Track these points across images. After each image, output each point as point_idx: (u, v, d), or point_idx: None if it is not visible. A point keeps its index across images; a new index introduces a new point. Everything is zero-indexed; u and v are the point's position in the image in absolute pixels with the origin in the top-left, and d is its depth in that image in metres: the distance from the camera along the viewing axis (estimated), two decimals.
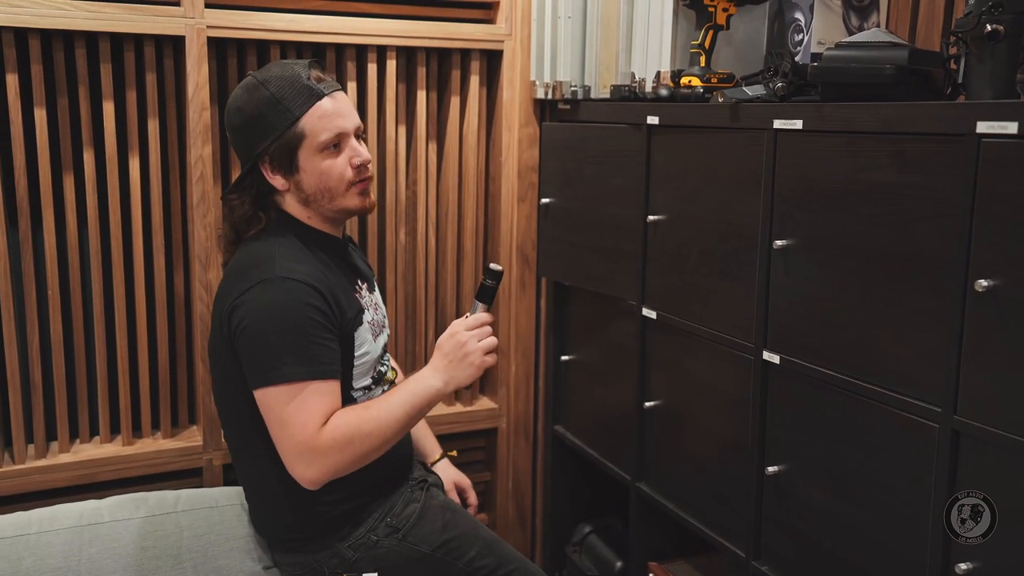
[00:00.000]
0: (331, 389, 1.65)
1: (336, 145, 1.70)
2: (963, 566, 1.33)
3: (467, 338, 1.70)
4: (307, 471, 1.62)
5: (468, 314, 1.73)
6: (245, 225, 1.75)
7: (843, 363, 1.54)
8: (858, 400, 1.52)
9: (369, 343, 1.78)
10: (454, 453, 2.13)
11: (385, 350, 1.88)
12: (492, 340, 1.72)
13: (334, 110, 1.70)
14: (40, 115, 1.97)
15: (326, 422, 1.62)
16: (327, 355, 1.65)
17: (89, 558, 1.79)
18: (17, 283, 2.02)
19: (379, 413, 1.65)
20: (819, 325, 1.58)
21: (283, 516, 1.77)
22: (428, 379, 1.70)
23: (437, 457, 2.08)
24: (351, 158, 1.72)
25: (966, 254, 1.31)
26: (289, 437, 1.62)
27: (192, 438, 2.21)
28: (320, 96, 1.68)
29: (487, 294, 1.74)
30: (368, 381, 1.80)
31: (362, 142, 1.77)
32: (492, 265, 1.73)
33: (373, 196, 1.81)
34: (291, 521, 1.77)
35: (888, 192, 1.43)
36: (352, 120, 1.73)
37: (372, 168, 1.79)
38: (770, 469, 1.69)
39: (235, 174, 2.16)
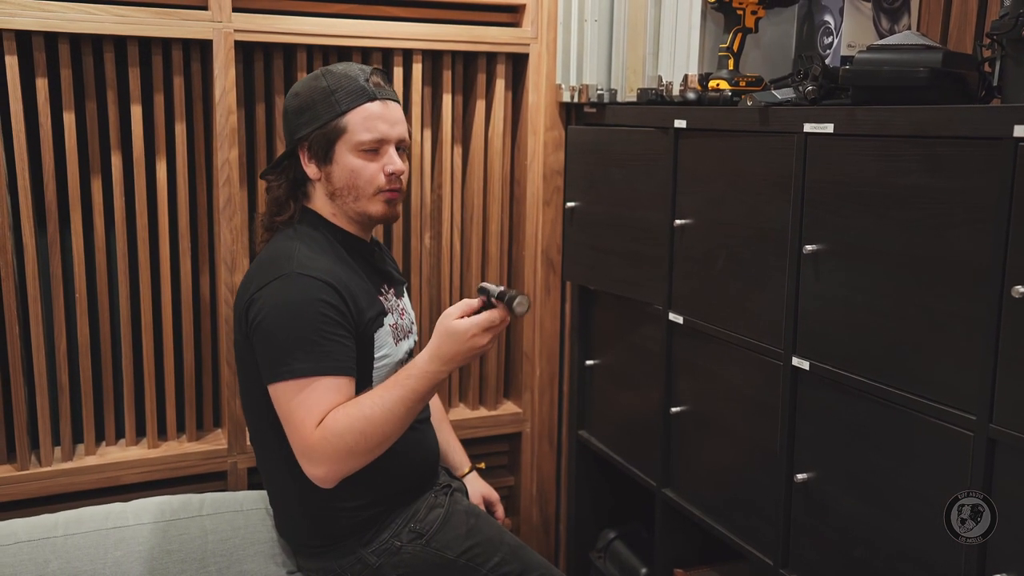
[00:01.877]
0: (339, 386, 1.63)
1: (374, 149, 1.72)
2: None
3: (486, 340, 1.63)
4: (311, 469, 1.62)
5: (485, 297, 1.65)
6: (277, 209, 1.78)
7: (875, 370, 1.52)
8: (890, 407, 1.49)
9: (389, 346, 1.78)
10: (482, 466, 2.12)
11: (410, 355, 1.87)
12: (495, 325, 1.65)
13: (380, 114, 1.72)
14: (69, 119, 1.99)
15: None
16: (340, 351, 1.64)
17: (115, 561, 1.79)
18: (45, 285, 2.04)
19: (372, 411, 1.60)
20: (850, 331, 1.56)
21: (305, 521, 1.77)
22: (426, 368, 1.63)
23: (466, 471, 2.06)
24: (385, 165, 1.73)
25: (1002, 260, 1.28)
26: (294, 433, 1.62)
27: (217, 441, 2.21)
28: (371, 98, 1.72)
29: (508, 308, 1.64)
30: None
31: (404, 157, 1.79)
32: (520, 305, 1.62)
33: (398, 209, 1.81)
34: (313, 526, 1.76)
35: (922, 196, 1.41)
36: (396, 130, 1.75)
37: (404, 181, 1.79)
38: (799, 476, 1.67)
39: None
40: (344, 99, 1.70)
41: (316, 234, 1.75)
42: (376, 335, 1.74)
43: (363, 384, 1.71)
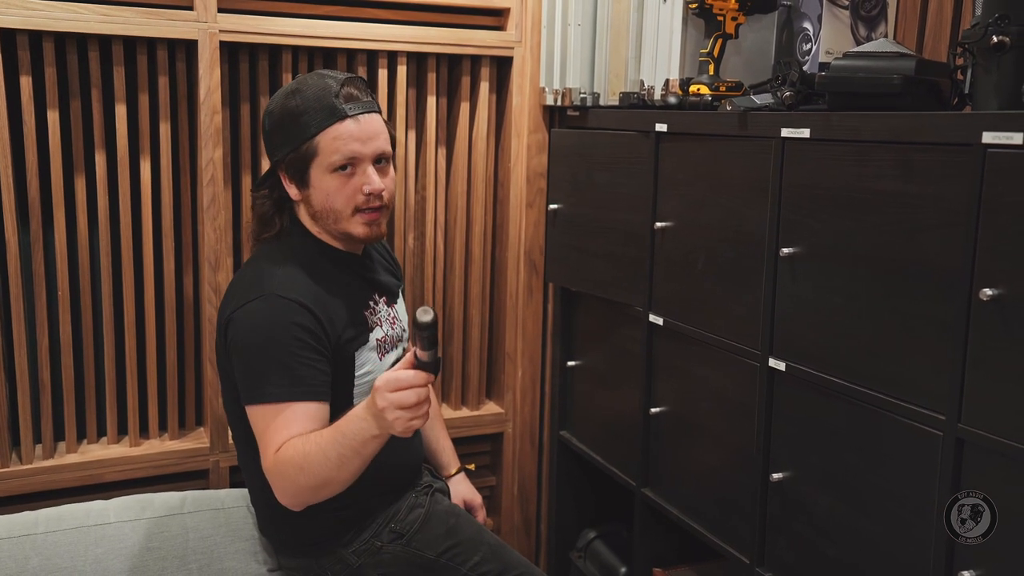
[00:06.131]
0: (310, 412, 1.62)
1: (348, 167, 1.67)
2: (967, 574, 1.33)
3: (386, 404, 1.45)
4: (277, 494, 1.64)
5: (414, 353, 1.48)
6: (262, 226, 1.77)
7: (848, 370, 1.54)
8: (863, 407, 1.52)
9: (373, 362, 1.77)
10: (471, 467, 2.11)
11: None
12: (410, 400, 1.45)
13: (351, 133, 1.65)
14: (53, 117, 1.99)
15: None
16: (313, 376, 1.63)
17: (95, 558, 1.79)
18: (27, 284, 2.04)
19: (316, 456, 1.55)
20: (825, 332, 1.59)
21: (285, 520, 1.77)
22: (364, 423, 1.52)
23: (453, 471, 2.06)
24: (362, 185, 1.69)
25: (971, 263, 1.31)
26: (262, 457, 1.64)
27: (199, 440, 2.22)
28: (342, 117, 1.65)
29: (425, 342, 1.45)
30: None
31: (388, 170, 1.72)
32: (420, 317, 1.42)
33: (383, 227, 1.75)
34: (293, 526, 1.77)
35: (894, 201, 1.43)
36: (372, 146, 1.68)
37: (388, 198, 1.72)
38: (775, 476, 1.70)
39: (245, 177, 2.18)
40: (313, 121, 1.64)
41: (300, 251, 1.73)
42: (358, 353, 1.73)
43: (343, 402, 1.70)
